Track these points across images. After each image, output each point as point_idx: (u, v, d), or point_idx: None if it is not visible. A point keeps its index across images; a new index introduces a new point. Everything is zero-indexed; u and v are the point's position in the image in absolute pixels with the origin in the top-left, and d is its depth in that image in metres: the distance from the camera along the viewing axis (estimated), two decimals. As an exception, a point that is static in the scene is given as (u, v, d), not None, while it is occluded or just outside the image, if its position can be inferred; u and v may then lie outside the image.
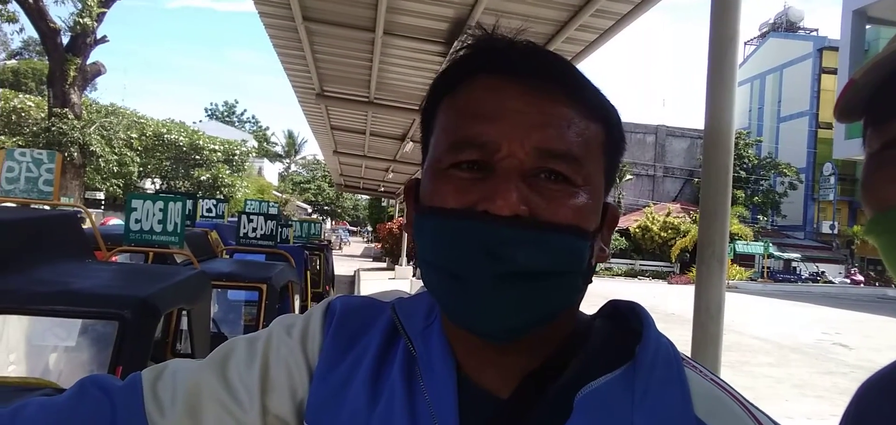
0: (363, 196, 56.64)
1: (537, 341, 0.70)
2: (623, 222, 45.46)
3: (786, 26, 63.57)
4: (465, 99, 0.68)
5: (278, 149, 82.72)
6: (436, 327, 0.73)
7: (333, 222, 71.29)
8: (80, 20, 23.56)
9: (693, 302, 3.21)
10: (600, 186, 0.70)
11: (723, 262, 3.15)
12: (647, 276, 39.77)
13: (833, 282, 42.23)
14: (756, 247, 40.59)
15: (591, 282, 0.71)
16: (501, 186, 0.62)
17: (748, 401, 0.68)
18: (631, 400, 0.63)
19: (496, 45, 0.70)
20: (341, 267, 25.08)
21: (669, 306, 20.58)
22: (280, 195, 55.39)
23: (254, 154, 56.30)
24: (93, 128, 26.84)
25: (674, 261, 39.32)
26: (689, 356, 0.73)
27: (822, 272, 43.84)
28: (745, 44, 67.46)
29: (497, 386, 0.69)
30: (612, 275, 39.48)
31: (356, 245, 57.03)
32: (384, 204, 43.18)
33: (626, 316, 0.75)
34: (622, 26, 5.32)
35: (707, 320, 3.14)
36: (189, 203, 6.28)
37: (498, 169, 0.64)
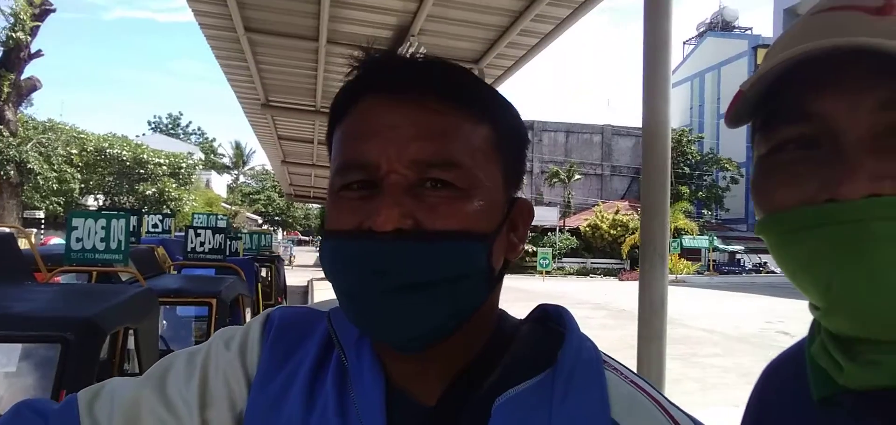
0: (314, 205, 56.14)
1: (455, 347, 0.70)
2: (573, 221, 46.15)
3: (721, 25, 65.58)
4: (350, 122, 0.70)
5: (226, 160, 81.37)
6: (368, 338, 0.73)
7: (285, 233, 70.40)
8: (13, 34, 22.83)
9: (638, 299, 3.31)
10: (496, 186, 0.69)
11: (664, 258, 3.23)
12: (599, 274, 40.39)
13: (775, 273, 43.47)
14: (702, 241, 41.68)
15: (498, 282, 0.71)
16: (383, 203, 0.63)
17: (667, 401, 0.69)
18: (549, 405, 0.64)
19: (378, 66, 0.71)
20: (295, 277, 24.79)
21: (620, 302, 20.97)
22: (229, 207, 54.44)
23: (201, 166, 55.24)
24: (29, 145, 26.03)
25: (625, 257, 40.03)
26: (612, 356, 0.73)
27: (765, 262, 45.21)
28: (684, 43, 69.42)
29: (423, 395, 0.70)
30: (565, 274, 39.98)
31: (309, 254, 56.42)
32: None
33: (554, 319, 0.76)
34: (562, 30, 5.42)
35: (651, 315, 3.21)
36: (133, 219, 6.16)
37: (383, 186, 0.65)
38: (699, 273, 40.52)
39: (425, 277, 0.63)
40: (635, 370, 2.97)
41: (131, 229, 4.94)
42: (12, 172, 23.72)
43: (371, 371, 0.71)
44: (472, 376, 0.70)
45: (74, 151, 32.36)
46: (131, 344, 3.59)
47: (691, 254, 41.98)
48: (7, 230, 4.02)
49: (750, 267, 44.90)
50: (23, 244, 4.29)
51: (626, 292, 25.55)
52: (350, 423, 0.69)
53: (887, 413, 0.64)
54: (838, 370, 0.66)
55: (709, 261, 42.64)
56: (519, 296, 23.66)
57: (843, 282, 0.60)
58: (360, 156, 0.66)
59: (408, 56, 0.73)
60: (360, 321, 0.67)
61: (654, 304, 3.21)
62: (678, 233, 41.23)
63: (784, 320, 17.72)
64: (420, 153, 0.65)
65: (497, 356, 0.71)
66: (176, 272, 6.89)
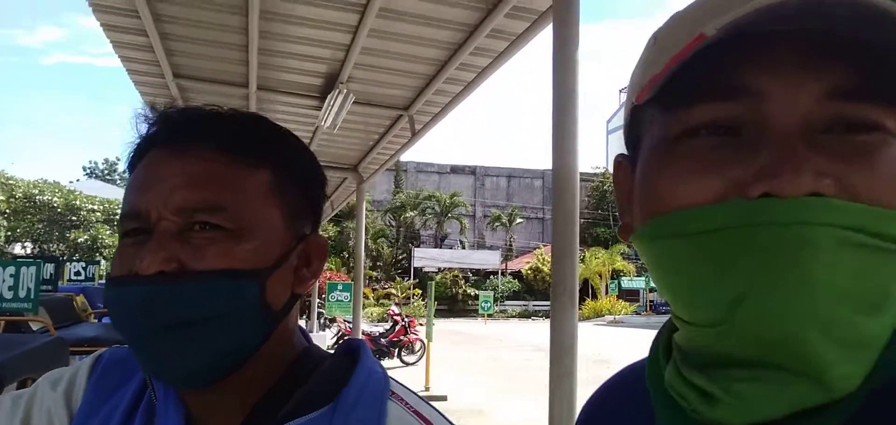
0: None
1: (246, 380, 0.73)
2: (515, 265, 46.58)
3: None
4: (134, 175, 0.74)
5: (163, 206, 79.29)
6: None
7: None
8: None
9: (549, 338, 3.39)
10: (274, 225, 0.73)
11: (574, 299, 3.34)
12: (541, 316, 40.70)
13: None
14: (639, 282, 42.53)
15: (283, 315, 0.75)
16: (149, 248, 0.67)
17: None
18: None
19: (160, 121, 0.75)
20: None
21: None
22: (165, 253, 52.87)
23: (136, 212, 53.60)
24: (-48, 191, 24.94)
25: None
26: (403, 386, 0.78)
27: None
28: (620, 91, 71.62)
29: None
30: (507, 316, 40.15)
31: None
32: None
33: (355, 352, 0.79)
34: (485, 77, 5.55)
35: (562, 355, 3.29)
36: (50, 266, 5.98)
37: (153, 233, 0.68)
38: (637, 313, 41.22)
39: (189, 315, 0.66)
40: (548, 408, 3.00)
41: (48, 277, 4.81)
42: (-68, 219, 22.69)
43: (174, 406, 0.74)
44: (269, 408, 0.73)
45: (1, 198, 31.13)
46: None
47: (629, 294, 42.76)
48: None
49: (686, 307, 45.74)
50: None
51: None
52: None
53: None
54: (708, 402, 0.53)
55: (646, 301, 43.47)
56: (461, 339, 23.58)
57: (764, 295, 0.47)
58: (134, 206, 0.71)
59: (191, 109, 0.77)
60: (139, 361, 0.71)
61: (564, 343, 3.29)
62: (616, 274, 42.05)
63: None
64: (185, 200, 0.69)
65: (295, 388, 0.74)
66: (96, 320, 6.70)
